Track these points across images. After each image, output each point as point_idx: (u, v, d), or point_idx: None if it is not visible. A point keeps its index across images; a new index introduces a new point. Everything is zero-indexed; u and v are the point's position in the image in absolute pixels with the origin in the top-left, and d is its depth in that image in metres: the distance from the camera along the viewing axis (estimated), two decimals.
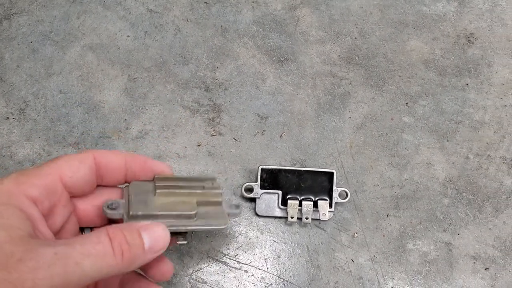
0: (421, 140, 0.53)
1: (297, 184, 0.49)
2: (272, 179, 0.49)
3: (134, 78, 0.55)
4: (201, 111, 0.54)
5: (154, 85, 0.54)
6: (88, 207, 0.36)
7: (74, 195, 0.35)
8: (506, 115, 0.54)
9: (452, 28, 0.58)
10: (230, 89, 0.55)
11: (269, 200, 0.50)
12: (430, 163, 0.52)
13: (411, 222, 0.50)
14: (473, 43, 0.57)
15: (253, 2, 0.59)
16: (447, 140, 0.53)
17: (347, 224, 0.50)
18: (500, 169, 0.52)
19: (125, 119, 0.53)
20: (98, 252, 0.28)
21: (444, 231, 0.50)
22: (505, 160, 0.52)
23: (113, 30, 0.57)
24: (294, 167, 0.50)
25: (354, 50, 0.57)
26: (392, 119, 0.54)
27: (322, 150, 0.52)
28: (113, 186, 0.38)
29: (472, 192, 0.51)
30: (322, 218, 0.48)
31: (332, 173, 0.49)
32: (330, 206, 0.49)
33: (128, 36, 0.57)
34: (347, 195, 0.50)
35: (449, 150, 0.53)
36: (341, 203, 0.50)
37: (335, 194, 0.49)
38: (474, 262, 0.49)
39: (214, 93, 0.54)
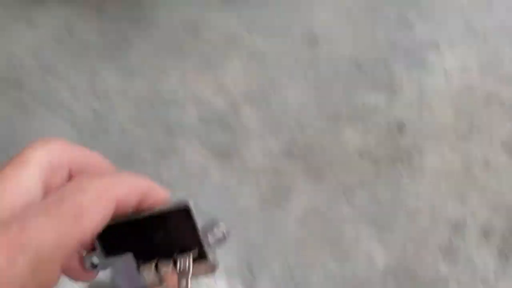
0: (361, 231, 0.55)
1: (148, 238, 0.29)
2: (116, 239, 0.28)
3: None
4: None
5: None
6: None
7: None
8: (439, 202, 0.57)
9: (384, 118, 0.61)
10: None
11: (127, 268, 0.30)
12: (369, 254, 0.54)
13: None
14: (404, 131, 0.61)
15: (195, 99, 0.62)
16: (385, 229, 0.56)
17: None
18: (435, 257, 0.55)
19: None
20: None
21: None
22: (440, 247, 0.55)
23: (59, 134, 0.58)
24: (134, 215, 0.26)
25: (293, 143, 0.60)
26: (332, 210, 0.56)
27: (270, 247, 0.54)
28: None
29: (410, 282, 0.53)
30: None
31: (186, 208, 0.25)
32: (202, 256, 0.27)
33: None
34: (225, 232, 0.26)
35: (387, 239, 0.55)
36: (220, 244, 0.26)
37: (204, 235, 0.27)
38: None
39: None
